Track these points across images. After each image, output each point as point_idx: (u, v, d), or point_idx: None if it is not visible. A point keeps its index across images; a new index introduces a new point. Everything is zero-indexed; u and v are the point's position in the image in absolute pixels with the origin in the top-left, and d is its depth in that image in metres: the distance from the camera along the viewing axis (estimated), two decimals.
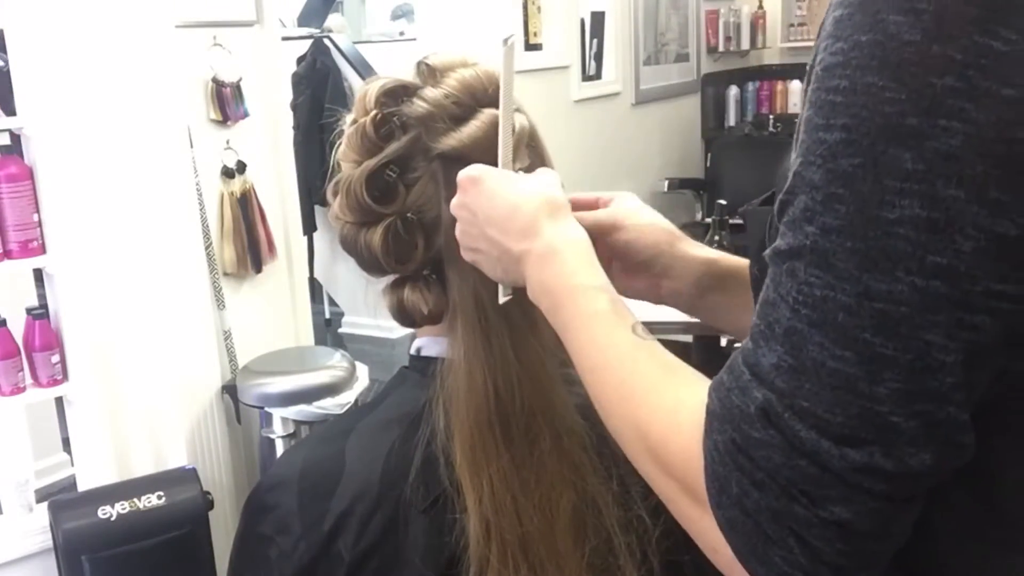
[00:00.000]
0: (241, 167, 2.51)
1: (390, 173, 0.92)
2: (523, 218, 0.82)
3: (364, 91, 0.96)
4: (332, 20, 3.81)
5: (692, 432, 0.63)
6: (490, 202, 0.83)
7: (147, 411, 2.32)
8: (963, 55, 0.50)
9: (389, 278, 0.99)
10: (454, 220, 0.87)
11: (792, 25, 5.59)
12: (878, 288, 0.52)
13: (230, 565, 1.02)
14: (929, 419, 0.53)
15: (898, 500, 0.56)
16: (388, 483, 0.90)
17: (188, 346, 2.35)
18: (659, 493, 0.70)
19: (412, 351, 1.04)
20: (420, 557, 0.89)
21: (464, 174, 0.85)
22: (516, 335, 0.90)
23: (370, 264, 0.97)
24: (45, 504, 2.11)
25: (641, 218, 1.00)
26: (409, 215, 0.93)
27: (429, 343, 1.01)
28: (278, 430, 2.27)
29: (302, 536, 0.91)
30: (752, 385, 0.58)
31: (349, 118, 0.98)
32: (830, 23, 0.56)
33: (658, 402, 0.69)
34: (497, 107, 0.88)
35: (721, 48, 5.56)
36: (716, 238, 1.98)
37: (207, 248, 2.44)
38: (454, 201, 0.86)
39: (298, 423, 2.24)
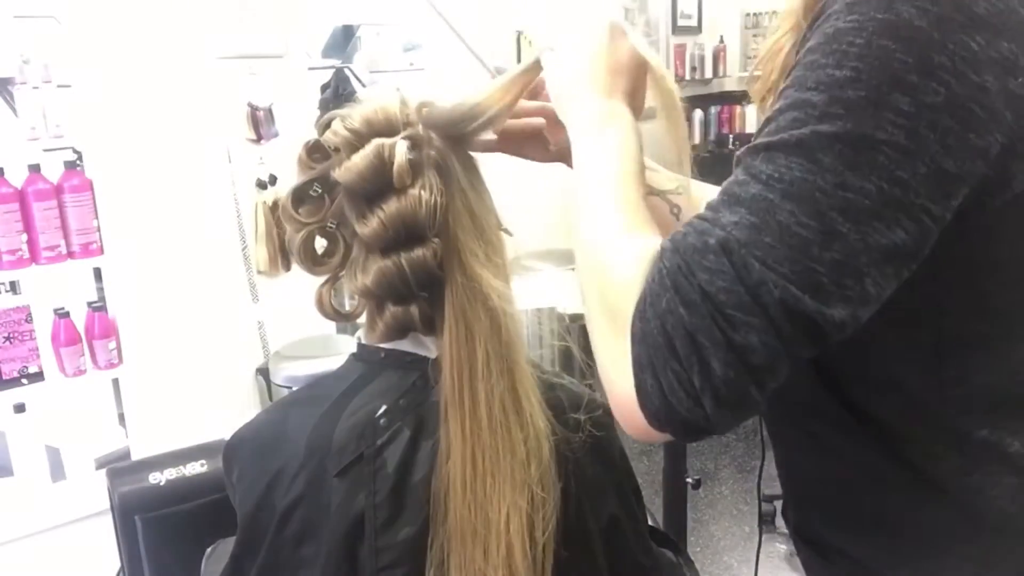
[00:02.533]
0: (273, 179, 2.51)
1: (315, 189, 0.94)
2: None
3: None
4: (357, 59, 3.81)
5: (639, 267, 0.64)
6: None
7: (191, 390, 2.32)
8: (953, 45, 0.59)
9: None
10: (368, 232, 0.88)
11: (749, 57, 5.59)
12: (854, 183, 0.59)
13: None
14: (849, 290, 0.59)
15: (795, 346, 0.59)
16: (312, 448, 0.92)
17: (226, 334, 2.36)
18: (591, 328, 0.70)
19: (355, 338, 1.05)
20: (335, 510, 0.90)
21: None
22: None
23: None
24: (103, 471, 2.11)
25: None
26: (328, 225, 0.94)
27: (364, 332, 1.02)
28: None
29: (250, 486, 0.94)
30: (711, 230, 0.61)
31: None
32: (840, 5, 0.62)
33: (621, 245, 0.69)
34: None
35: (688, 77, 5.56)
36: None
37: (243, 249, 2.45)
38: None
39: None
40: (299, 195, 0.93)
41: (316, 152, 0.94)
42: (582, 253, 0.72)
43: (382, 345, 0.96)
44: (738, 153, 0.65)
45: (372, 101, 0.94)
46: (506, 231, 0.96)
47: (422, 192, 0.88)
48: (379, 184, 0.88)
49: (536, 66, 0.88)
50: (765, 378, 0.60)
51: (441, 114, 0.92)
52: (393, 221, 0.87)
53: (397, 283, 0.89)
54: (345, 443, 0.91)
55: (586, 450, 0.95)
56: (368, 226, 0.88)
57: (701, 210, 0.64)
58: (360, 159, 0.88)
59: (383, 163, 0.87)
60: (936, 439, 0.71)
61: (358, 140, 0.90)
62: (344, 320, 0.99)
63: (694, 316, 0.59)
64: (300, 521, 0.91)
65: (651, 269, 0.63)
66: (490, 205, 0.94)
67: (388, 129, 0.91)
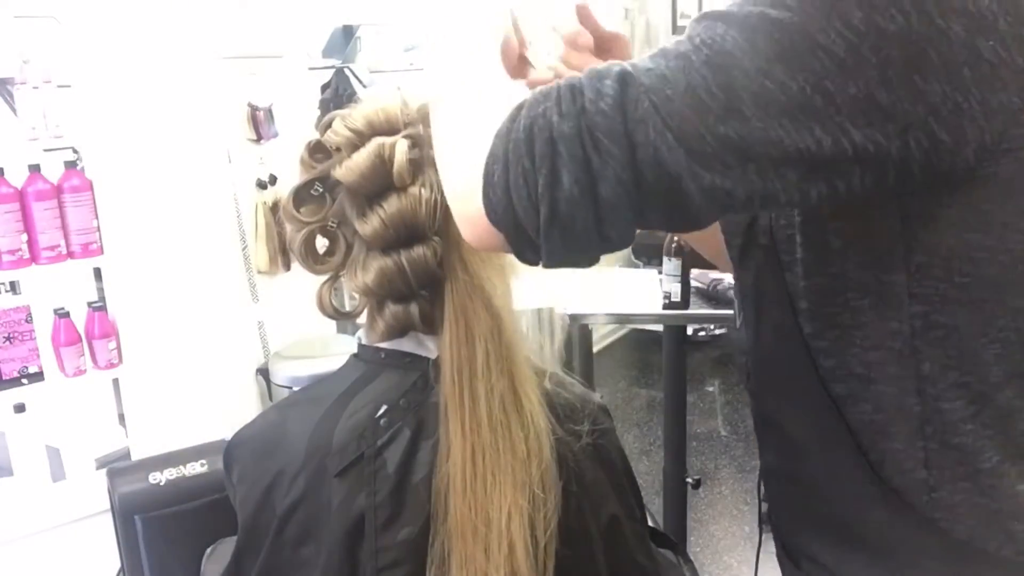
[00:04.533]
0: (273, 179, 2.51)
1: (316, 189, 0.94)
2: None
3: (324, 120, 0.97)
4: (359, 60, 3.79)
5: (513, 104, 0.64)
6: None
7: (191, 390, 2.32)
8: None
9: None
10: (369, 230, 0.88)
11: None
12: (777, 76, 0.57)
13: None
14: (730, 169, 0.57)
15: (648, 198, 0.58)
16: (312, 449, 0.92)
17: (226, 334, 2.36)
18: (447, 160, 0.71)
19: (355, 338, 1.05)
20: (336, 510, 0.90)
21: None
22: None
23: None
24: (103, 471, 2.11)
25: None
26: (329, 224, 0.94)
27: (364, 332, 1.02)
28: None
29: (250, 488, 0.94)
30: (623, 64, 0.60)
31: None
32: None
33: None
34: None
35: None
36: (676, 237, 1.98)
37: (243, 250, 2.45)
38: None
39: None
40: (300, 194, 0.94)
41: (317, 152, 0.94)
42: (454, 112, 0.72)
43: (382, 345, 0.96)
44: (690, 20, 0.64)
45: (373, 101, 0.94)
46: None
47: (422, 191, 0.88)
48: (380, 183, 0.88)
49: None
50: (605, 214, 0.59)
51: None
52: (394, 220, 0.88)
53: (397, 281, 0.89)
54: (345, 443, 0.91)
55: (586, 450, 0.95)
56: (369, 225, 0.88)
57: None
58: (361, 158, 0.88)
59: (384, 162, 0.88)
60: (907, 452, 0.69)
61: (359, 139, 0.90)
62: (344, 319, 0.99)
63: (565, 125, 0.58)
64: (300, 522, 0.91)
65: (534, 94, 0.63)
66: None
67: (389, 128, 0.91)
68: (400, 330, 0.93)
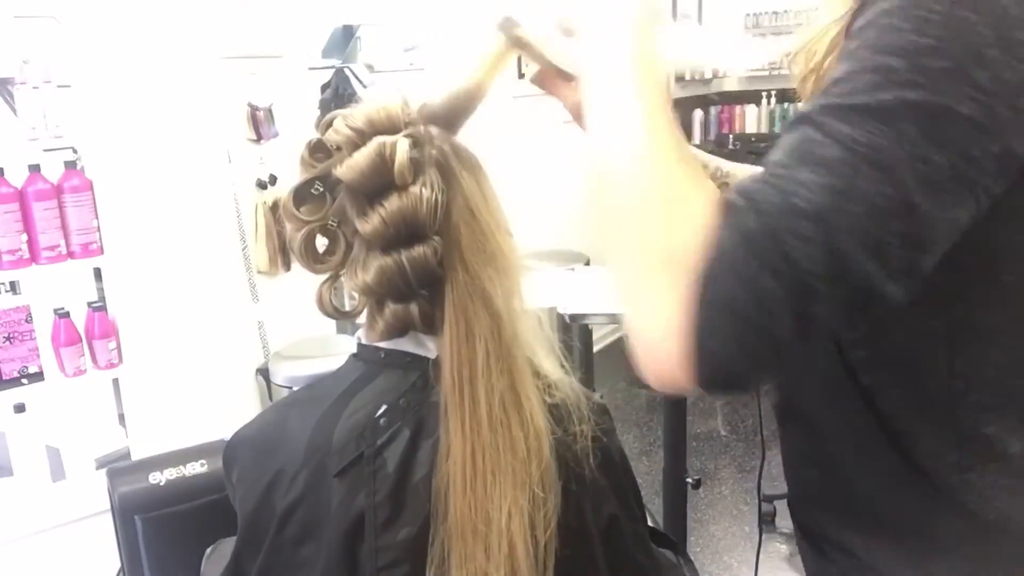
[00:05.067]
0: (273, 179, 2.51)
1: (317, 188, 0.94)
2: None
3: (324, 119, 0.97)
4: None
5: (701, 218, 0.60)
6: None
7: (191, 390, 2.32)
8: None
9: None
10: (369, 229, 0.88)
11: None
12: (933, 157, 0.57)
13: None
14: (916, 264, 0.58)
15: (852, 313, 0.58)
16: (312, 448, 0.92)
17: (226, 334, 2.36)
18: (623, 272, 0.63)
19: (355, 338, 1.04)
20: (335, 510, 0.90)
21: None
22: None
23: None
24: (103, 471, 2.11)
25: None
26: (329, 223, 0.94)
27: (364, 331, 1.02)
28: None
29: (250, 487, 0.94)
30: (795, 190, 0.57)
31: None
32: None
33: (678, 182, 0.63)
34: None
35: (687, 76, 5.56)
36: None
37: (243, 250, 2.45)
38: None
39: None
40: (301, 193, 0.94)
41: (318, 151, 0.94)
42: (619, 165, 0.65)
43: (382, 344, 0.96)
44: (803, 109, 0.62)
45: (374, 100, 0.94)
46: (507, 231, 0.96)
47: (423, 190, 0.88)
48: (380, 182, 0.88)
49: (508, 49, 0.89)
50: (812, 344, 0.59)
51: (439, 106, 0.93)
52: (394, 219, 0.87)
53: (397, 281, 0.89)
54: (345, 443, 0.91)
55: (586, 450, 0.95)
56: (369, 224, 0.88)
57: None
58: (362, 157, 0.88)
59: (384, 161, 0.87)
60: (938, 434, 0.71)
61: (360, 138, 0.90)
62: (344, 318, 0.99)
63: (778, 283, 0.56)
64: (300, 521, 0.91)
65: (721, 224, 0.59)
66: (495, 204, 0.94)
67: (390, 127, 0.91)
68: (400, 330, 0.93)
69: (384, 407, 0.92)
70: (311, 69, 2.87)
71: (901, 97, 0.57)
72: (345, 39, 3.17)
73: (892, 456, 0.73)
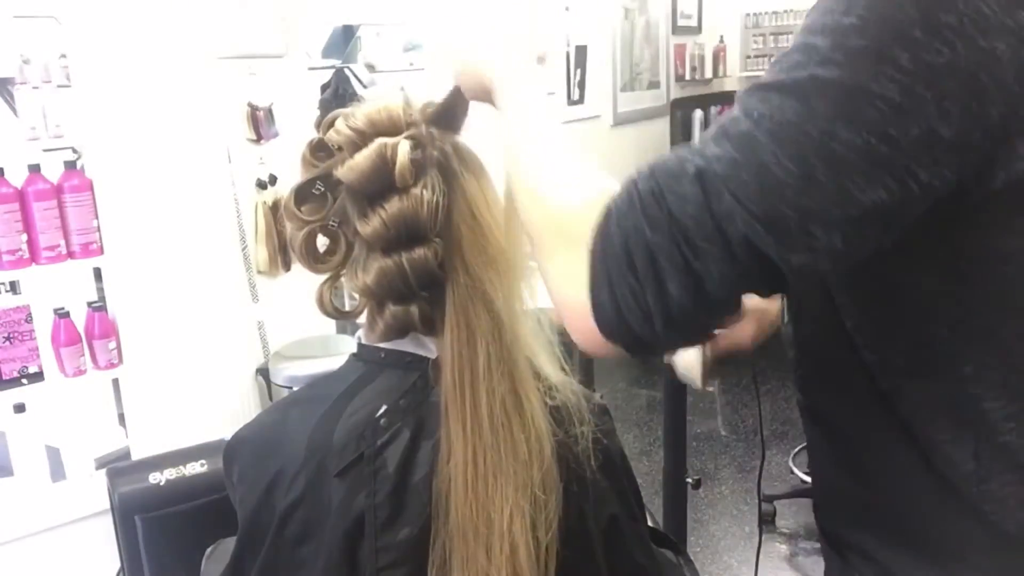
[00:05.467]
0: (273, 179, 2.50)
1: (318, 188, 0.94)
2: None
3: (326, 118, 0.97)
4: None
5: (599, 198, 0.65)
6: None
7: (191, 390, 2.32)
8: (963, 5, 0.57)
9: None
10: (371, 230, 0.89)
11: (748, 57, 5.59)
12: (842, 134, 0.57)
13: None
14: (815, 240, 0.58)
15: (749, 280, 0.60)
16: (312, 448, 0.92)
17: (226, 334, 2.36)
18: (538, 247, 0.72)
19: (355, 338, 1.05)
20: (335, 510, 0.90)
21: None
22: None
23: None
24: (103, 471, 2.11)
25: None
26: (330, 223, 0.94)
27: (364, 332, 1.02)
28: None
29: (250, 487, 0.94)
30: (692, 159, 0.61)
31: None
32: None
33: (579, 175, 0.72)
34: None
35: (688, 76, 5.56)
36: None
37: (243, 250, 2.44)
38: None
39: None
40: (302, 193, 0.94)
41: (319, 151, 0.94)
42: (531, 181, 0.74)
43: (382, 345, 0.96)
44: (738, 92, 0.64)
45: (375, 101, 0.94)
46: None
47: (424, 192, 0.88)
48: (381, 183, 0.88)
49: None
50: (717, 307, 0.60)
51: (440, 107, 0.93)
52: (395, 220, 0.87)
53: (398, 282, 0.89)
54: (345, 443, 0.91)
55: (587, 451, 0.95)
56: (370, 225, 0.88)
57: None
58: (363, 158, 0.88)
59: (385, 162, 0.87)
60: (956, 444, 0.69)
61: (361, 139, 0.90)
62: (344, 319, 0.99)
63: (658, 236, 0.59)
64: (300, 521, 0.91)
65: (623, 188, 0.63)
66: (497, 206, 0.94)
67: (391, 129, 0.91)
68: (400, 331, 0.93)
69: (384, 407, 0.92)
70: (311, 69, 2.87)
71: (815, 75, 0.58)
72: (345, 39, 3.17)
73: (913, 462, 0.72)
